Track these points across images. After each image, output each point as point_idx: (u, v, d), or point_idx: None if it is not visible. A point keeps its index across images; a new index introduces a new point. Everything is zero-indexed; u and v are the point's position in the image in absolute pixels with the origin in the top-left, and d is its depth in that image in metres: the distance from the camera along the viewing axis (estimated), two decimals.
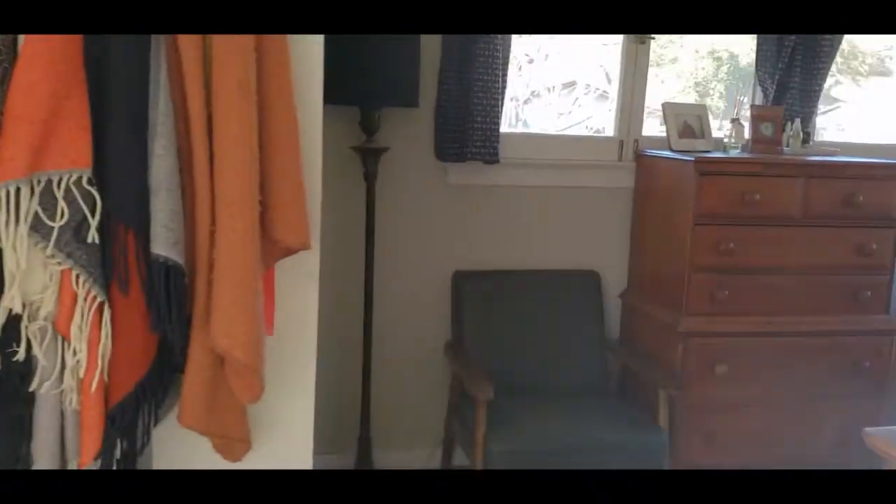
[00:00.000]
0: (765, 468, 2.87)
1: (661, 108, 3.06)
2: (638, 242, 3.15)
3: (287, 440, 2.00)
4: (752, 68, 3.23)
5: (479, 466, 2.55)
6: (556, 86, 3.43)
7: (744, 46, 3.43)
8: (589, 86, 3.43)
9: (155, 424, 1.74)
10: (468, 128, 2.87)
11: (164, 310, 1.55)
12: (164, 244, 1.53)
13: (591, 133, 3.23)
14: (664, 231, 2.92)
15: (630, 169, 3.17)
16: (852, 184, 2.83)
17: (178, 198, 1.55)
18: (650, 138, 3.22)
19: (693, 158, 2.73)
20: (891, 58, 3.65)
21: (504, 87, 2.92)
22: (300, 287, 1.94)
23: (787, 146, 3.10)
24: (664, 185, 2.94)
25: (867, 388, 2.92)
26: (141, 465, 1.71)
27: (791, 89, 3.15)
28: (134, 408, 1.64)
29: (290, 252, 1.78)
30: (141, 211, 1.54)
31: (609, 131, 3.22)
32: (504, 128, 2.99)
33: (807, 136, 3.14)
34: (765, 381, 2.85)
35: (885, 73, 3.62)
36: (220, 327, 1.56)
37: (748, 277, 2.82)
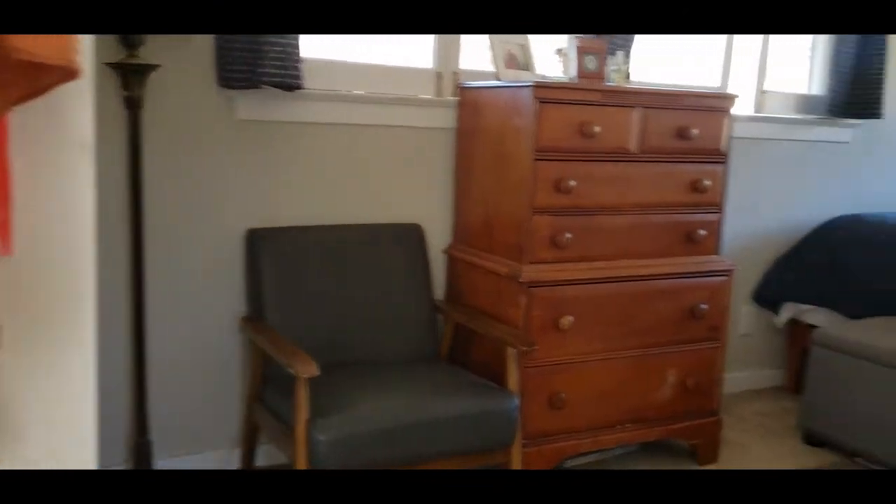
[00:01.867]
0: (610, 426, 2.67)
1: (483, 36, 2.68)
2: (464, 189, 2.76)
3: (52, 427, 1.31)
4: None
5: (301, 461, 2.01)
6: None
7: None
8: None
9: None
10: (262, 43, 2.30)
11: None
12: None
13: (407, 65, 2.79)
14: (497, 171, 2.56)
15: (450, 106, 2.78)
16: (686, 115, 2.65)
17: None
18: (468, 72, 2.85)
19: (532, 84, 2.39)
20: None
21: None
22: (65, 167, 1.16)
23: (611, 81, 2.88)
24: (495, 119, 2.57)
25: (704, 331, 2.78)
26: None
27: None
28: None
29: (38, 84, 0.99)
30: None
31: (426, 62, 2.81)
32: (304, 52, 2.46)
33: (628, 73, 2.94)
34: (607, 332, 2.60)
35: None
36: None
37: (589, 218, 2.54)
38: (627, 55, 2.97)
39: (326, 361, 2.21)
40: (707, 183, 2.71)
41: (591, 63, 2.83)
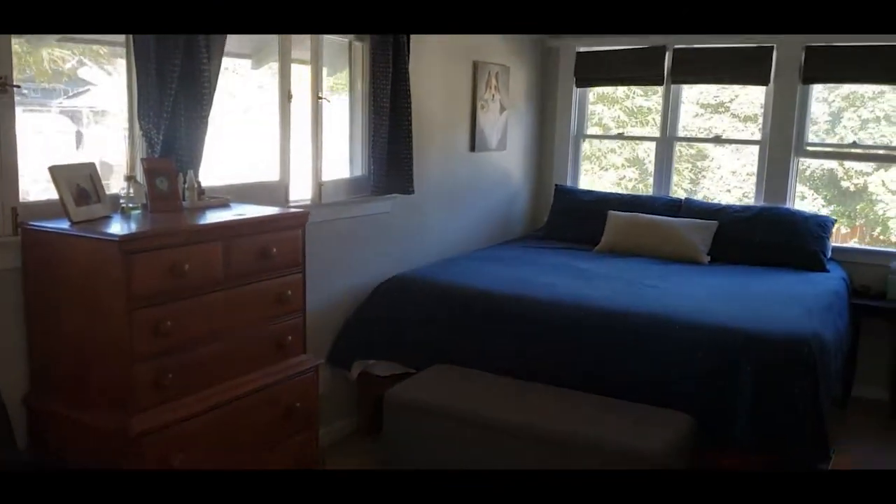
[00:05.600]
0: None
1: (47, 173, 2.51)
2: (43, 336, 2.57)
3: None
4: None
5: None
6: None
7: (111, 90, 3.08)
8: None
9: None
10: None
11: None
12: None
13: None
14: (89, 321, 2.45)
15: (13, 245, 2.55)
16: (266, 238, 2.84)
17: None
18: (31, 205, 2.64)
19: (118, 239, 2.34)
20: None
21: None
22: None
23: (185, 199, 2.94)
24: (79, 266, 2.45)
25: (301, 424, 3.05)
26: None
27: (179, 139, 2.97)
28: None
29: None
30: None
31: None
32: None
33: (201, 188, 3.02)
34: (219, 455, 2.70)
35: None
36: None
37: (188, 354, 2.59)
38: (197, 172, 3.05)
39: None
40: (290, 293, 2.96)
41: (162, 184, 2.86)
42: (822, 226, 4.74)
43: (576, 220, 5.34)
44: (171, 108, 2.92)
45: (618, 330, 3.51)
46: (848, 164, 5.19)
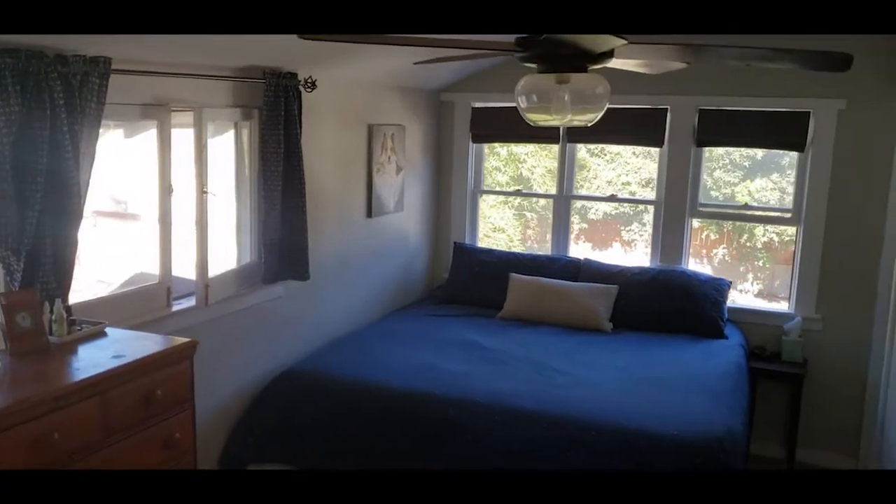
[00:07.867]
0: None
1: None
2: None
3: None
4: None
5: None
6: None
7: None
8: None
9: None
10: None
11: None
12: None
13: None
14: None
15: None
16: (150, 380, 2.51)
17: None
18: None
19: None
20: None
21: None
22: None
23: (53, 334, 2.57)
24: None
25: None
26: None
27: (44, 265, 2.59)
28: None
29: None
30: None
31: None
32: None
33: (72, 318, 2.66)
34: None
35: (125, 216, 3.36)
36: None
37: None
38: (66, 296, 2.68)
39: None
40: (178, 436, 2.64)
41: (24, 321, 2.50)
42: (718, 289, 4.79)
43: (476, 280, 5.19)
44: (35, 229, 2.55)
45: (530, 436, 3.35)
46: (717, 174, 5.28)
